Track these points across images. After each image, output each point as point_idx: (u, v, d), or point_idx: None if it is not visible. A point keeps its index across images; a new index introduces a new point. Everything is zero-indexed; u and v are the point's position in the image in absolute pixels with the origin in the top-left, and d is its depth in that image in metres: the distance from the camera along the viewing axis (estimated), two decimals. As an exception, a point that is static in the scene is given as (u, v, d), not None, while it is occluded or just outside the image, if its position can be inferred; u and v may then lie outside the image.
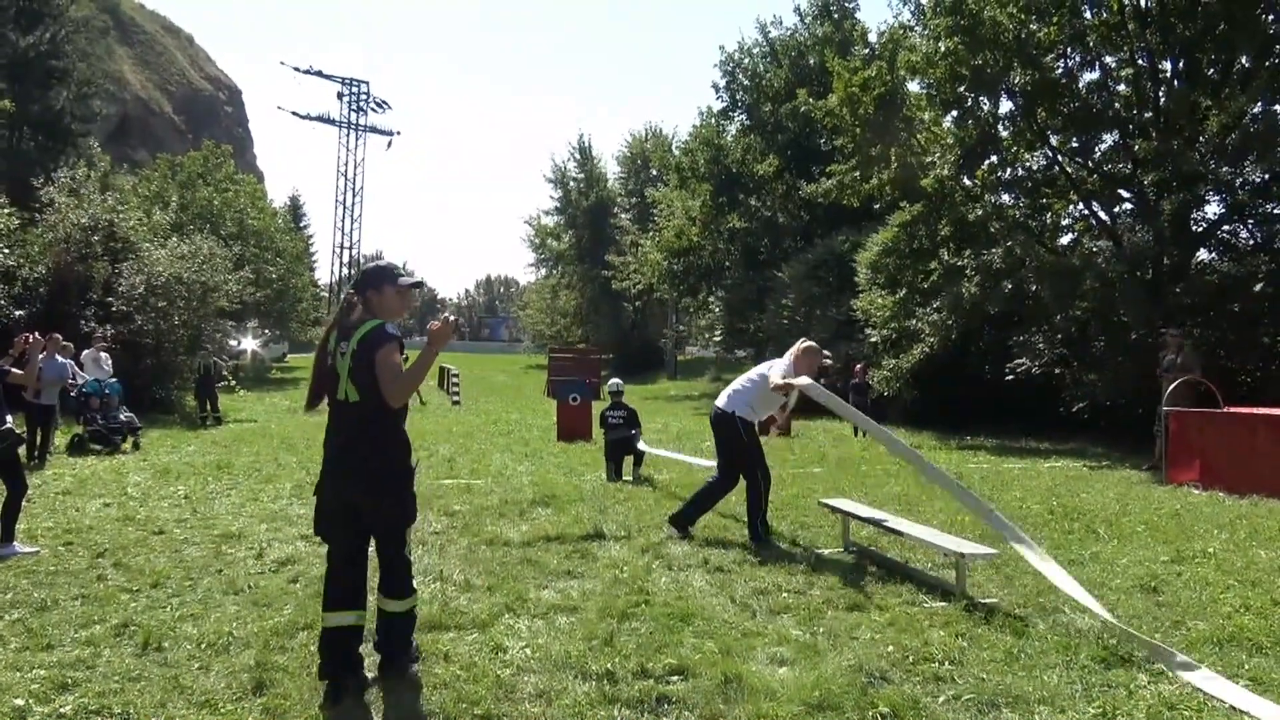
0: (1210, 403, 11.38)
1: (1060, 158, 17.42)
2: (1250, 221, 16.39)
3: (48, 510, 8.23)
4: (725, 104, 33.96)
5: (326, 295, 55.76)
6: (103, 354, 15.33)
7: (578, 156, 60.96)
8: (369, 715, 3.77)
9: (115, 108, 59.08)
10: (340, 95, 40.13)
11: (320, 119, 41.90)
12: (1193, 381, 11.65)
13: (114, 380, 14.38)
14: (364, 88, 40.44)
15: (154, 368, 19.71)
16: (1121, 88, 17.09)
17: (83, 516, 7.93)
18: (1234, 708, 3.78)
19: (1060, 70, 16.76)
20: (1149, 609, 5.22)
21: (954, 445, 15.81)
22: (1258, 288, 14.64)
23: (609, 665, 4.17)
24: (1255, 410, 10.77)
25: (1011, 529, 5.69)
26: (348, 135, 39.41)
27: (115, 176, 33.04)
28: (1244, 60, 15.45)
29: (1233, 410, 10.91)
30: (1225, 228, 16.68)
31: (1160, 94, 15.96)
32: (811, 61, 31.05)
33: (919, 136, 18.41)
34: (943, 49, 16.77)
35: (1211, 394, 11.39)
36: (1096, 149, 17.53)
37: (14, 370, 7.72)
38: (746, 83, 33.08)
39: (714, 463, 7.50)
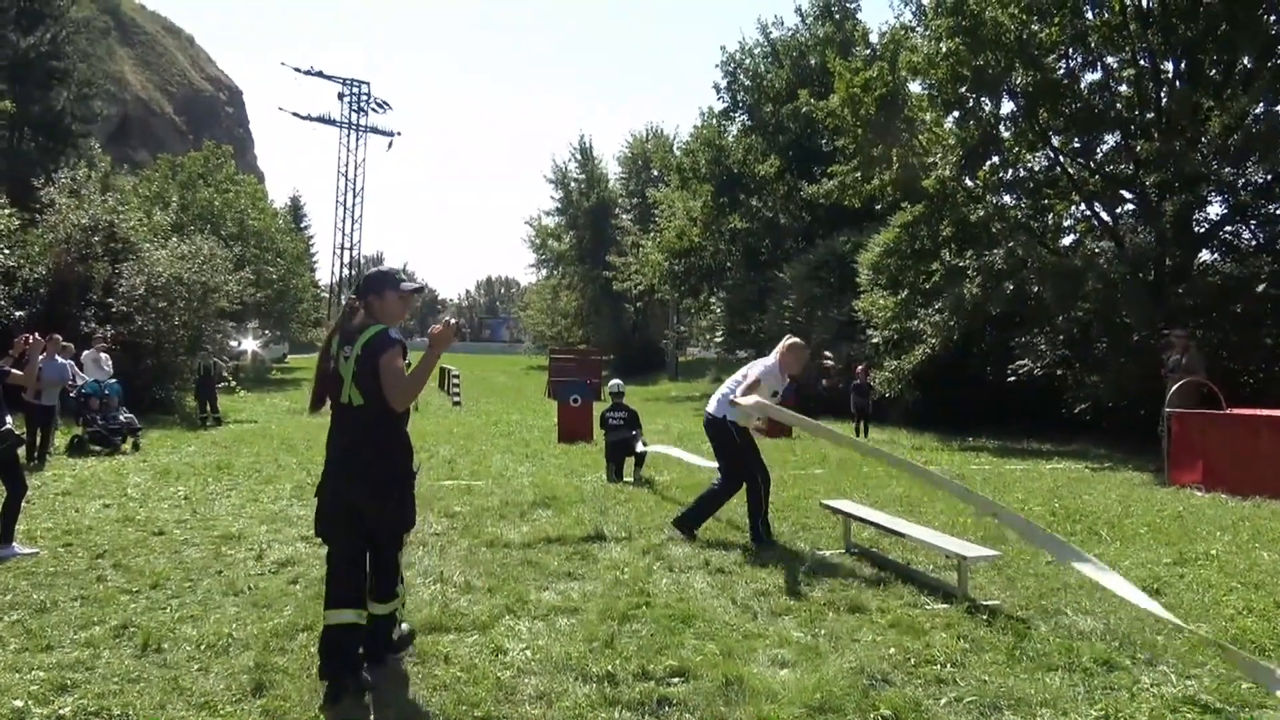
0: (1213, 404, 11.37)
1: (1062, 158, 17.42)
2: (1253, 222, 16.38)
3: (47, 511, 8.22)
4: (726, 104, 33.97)
5: (327, 296, 55.79)
6: (103, 355, 15.33)
7: (579, 157, 60.98)
8: (368, 717, 3.76)
9: (116, 108, 59.11)
10: (341, 96, 40.23)
11: (321, 119, 41.97)
12: (1196, 383, 11.64)
13: (114, 381, 14.38)
14: (365, 88, 40.54)
15: (154, 368, 19.71)
16: (1123, 88, 17.08)
17: (82, 517, 7.93)
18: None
19: (1062, 71, 16.75)
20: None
21: (956, 447, 15.80)
22: (1260, 289, 14.63)
23: (610, 667, 4.17)
24: (1258, 412, 10.76)
25: (1005, 512, 5.70)
26: (348, 136, 39.52)
27: (116, 177, 33.02)
28: (1246, 61, 15.45)
29: (1235, 412, 10.89)
30: (1227, 229, 16.68)
31: (1162, 95, 15.96)
32: (813, 62, 31.04)
33: (920, 137, 18.41)
34: (944, 49, 16.77)
35: (1214, 395, 11.38)
36: (1098, 150, 17.53)
37: (14, 371, 7.71)
38: (748, 83, 33.09)
39: (715, 464, 7.49)
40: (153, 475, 10.71)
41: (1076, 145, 17.40)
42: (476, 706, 3.78)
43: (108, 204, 21.33)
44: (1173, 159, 14.57)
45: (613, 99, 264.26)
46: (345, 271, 40.30)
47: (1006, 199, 18.23)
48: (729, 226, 32.93)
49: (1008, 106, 17.54)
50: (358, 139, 39.45)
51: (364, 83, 40.20)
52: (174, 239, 22.67)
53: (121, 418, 13.63)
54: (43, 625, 4.79)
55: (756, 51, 33.39)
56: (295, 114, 42.41)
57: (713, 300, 37.28)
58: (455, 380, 32.05)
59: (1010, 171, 17.90)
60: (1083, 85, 16.94)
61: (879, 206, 20.80)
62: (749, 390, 7.06)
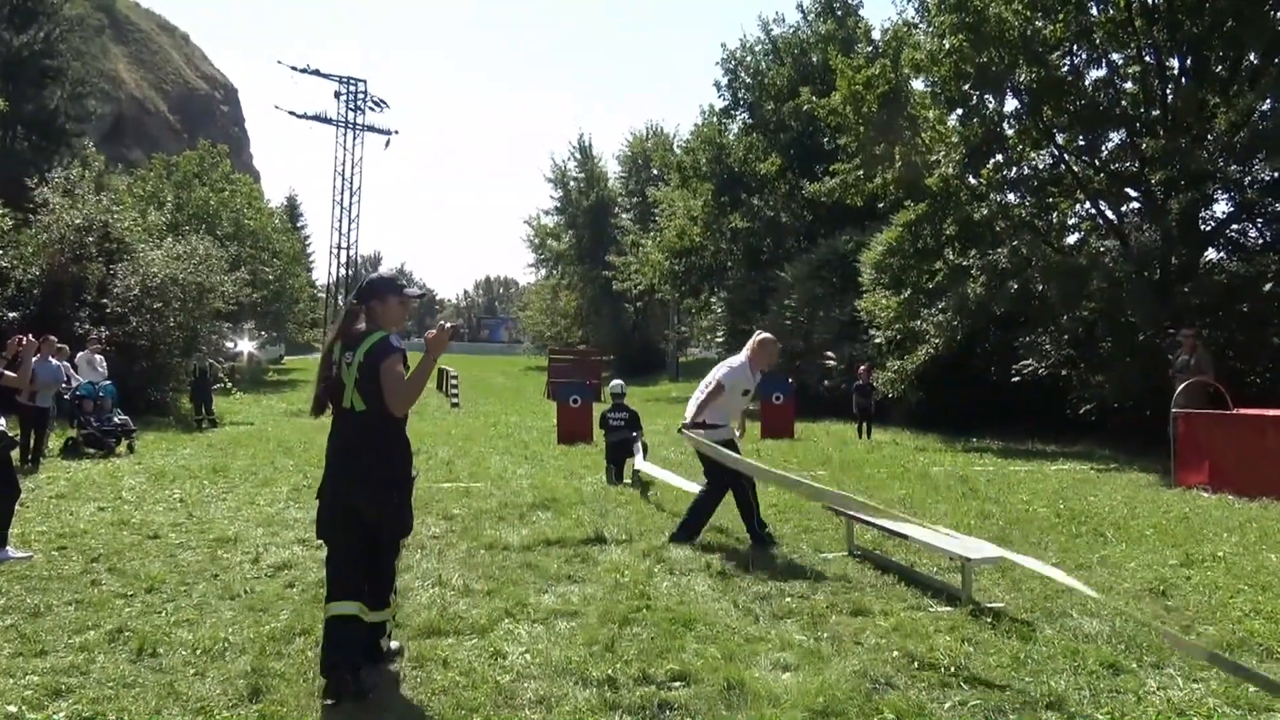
0: (1219, 404, 11.36)
1: (1066, 156, 17.41)
2: (1259, 220, 16.37)
3: (41, 514, 8.23)
4: (727, 102, 33.97)
5: (324, 296, 55.78)
6: (97, 356, 15.35)
7: (578, 156, 60.96)
8: (366, 722, 3.77)
9: (110, 107, 59.10)
10: (337, 94, 40.13)
11: (317, 118, 41.89)
12: (1202, 383, 11.63)
13: (108, 383, 14.38)
14: (361, 86, 40.46)
15: (149, 370, 19.71)
16: (1128, 85, 17.07)
17: (77, 521, 7.93)
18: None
19: (1066, 68, 16.74)
20: (1157, 613, 5.22)
21: (959, 448, 15.79)
22: (1267, 287, 14.61)
23: (610, 671, 4.17)
24: (1265, 412, 10.74)
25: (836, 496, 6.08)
26: (345, 134, 39.45)
27: (110, 176, 33.04)
28: (1252, 57, 15.44)
29: (1242, 412, 10.88)
30: (1234, 227, 16.66)
31: (1168, 91, 15.96)
32: (814, 59, 31.03)
33: (923, 135, 18.40)
34: (947, 46, 16.75)
35: (1220, 396, 11.38)
36: (1103, 147, 17.51)
37: (7, 373, 7.71)
38: (749, 81, 33.09)
39: (696, 486, 7.47)
40: (148, 478, 10.72)
41: (1081, 143, 17.39)
42: (475, 711, 3.78)
43: (102, 204, 21.30)
44: (1178, 156, 14.56)
45: (611, 98, 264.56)
46: (342, 271, 40.32)
47: (1010, 197, 18.22)
48: (730, 225, 32.93)
49: (1011, 104, 17.54)
50: (354, 138, 39.56)
51: (361, 81, 40.24)
52: (169, 239, 22.66)
53: (116, 420, 13.63)
54: (37, 630, 4.79)
55: (758, 49, 33.39)
56: (291, 112, 42.45)
57: (713, 300, 37.29)
58: (453, 381, 32.06)
59: (1014, 169, 17.89)
60: (1087, 82, 16.92)
61: (881, 205, 20.78)
62: (711, 397, 7.10)
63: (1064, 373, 16.84)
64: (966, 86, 16.97)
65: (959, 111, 18.06)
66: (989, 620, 5.00)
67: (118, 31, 75.08)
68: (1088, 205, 18.13)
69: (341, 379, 4.19)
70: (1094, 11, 16.29)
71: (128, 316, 19.21)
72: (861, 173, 20.23)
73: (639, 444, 10.91)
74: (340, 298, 38.18)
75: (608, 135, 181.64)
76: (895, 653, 4.48)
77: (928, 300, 18.83)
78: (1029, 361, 17.23)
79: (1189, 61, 15.86)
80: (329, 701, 3.85)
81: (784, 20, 33.29)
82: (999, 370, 18.21)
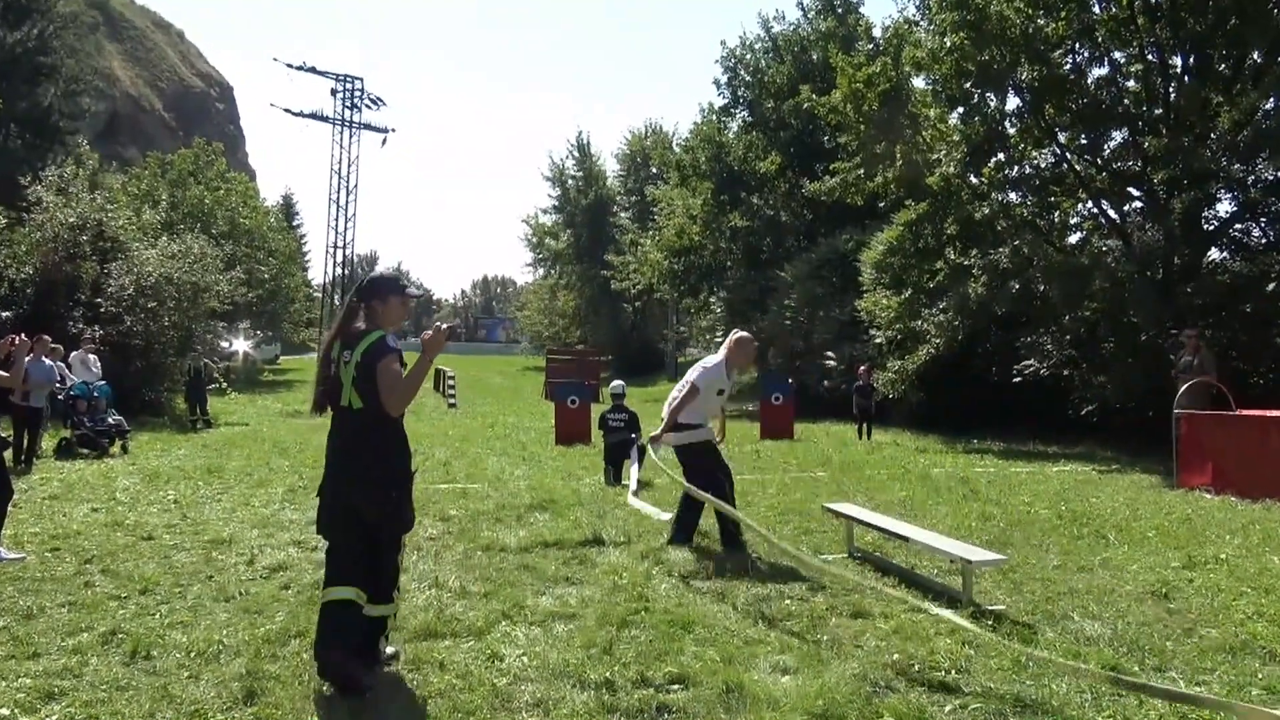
0: (1222, 405, 11.37)
1: (1069, 155, 17.42)
2: (1263, 220, 16.39)
3: (34, 515, 8.22)
4: (727, 100, 33.94)
5: (320, 296, 55.77)
6: (91, 356, 15.33)
7: (576, 154, 60.94)
8: (362, 725, 3.76)
9: (104, 105, 59.11)
10: (334, 92, 40.09)
11: (313, 116, 41.82)
12: (1205, 384, 11.64)
13: (103, 383, 14.37)
14: (358, 84, 40.43)
15: (143, 370, 19.70)
16: (1131, 84, 17.07)
17: (70, 522, 7.93)
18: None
19: (1068, 66, 16.75)
20: (1160, 616, 5.22)
21: (960, 448, 15.80)
22: (1270, 287, 14.62)
23: (608, 674, 4.17)
24: (1268, 413, 10.75)
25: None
26: (341, 132, 39.40)
27: (104, 175, 33.02)
28: (1256, 56, 15.45)
29: (1245, 413, 10.89)
30: (1237, 226, 16.69)
31: (1170, 90, 15.97)
32: (815, 57, 31.03)
33: (924, 133, 18.41)
34: (948, 44, 16.76)
35: (1223, 396, 11.38)
36: (1105, 146, 17.52)
37: (0, 373, 7.70)
38: (748, 79, 33.07)
39: (669, 515, 7.43)
40: (142, 479, 10.71)
41: (1083, 142, 17.40)
42: (472, 714, 3.78)
43: (96, 202, 21.30)
44: (1181, 155, 14.57)
45: (610, 97, 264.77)
46: (338, 271, 40.29)
47: (1012, 196, 18.23)
48: (729, 224, 32.91)
49: (1013, 102, 17.55)
50: (351, 136, 39.46)
51: (357, 78, 40.16)
52: (164, 238, 22.65)
53: (110, 420, 13.62)
54: (29, 632, 4.78)
55: (757, 46, 33.37)
56: (287, 110, 42.36)
57: (713, 300, 37.27)
58: (450, 382, 32.06)
59: (1016, 168, 17.90)
60: (1090, 80, 16.94)
61: (882, 204, 20.80)
62: (686, 400, 7.10)
63: (1066, 373, 16.85)
64: (968, 85, 16.98)
65: (960, 110, 18.07)
66: (990, 623, 5.00)
67: (112, 29, 75.08)
68: (1090, 204, 18.16)
69: (339, 377, 4.25)
70: (1096, 9, 16.30)
71: (122, 316, 19.20)
72: (862, 171, 20.24)
73: (635, 448, 10.85)
74: (336, 297, 38.14)
75: (608, 135, 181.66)
76: (895, 655, 4.48)
77: (928, 300, 18.84)
78: (1030, 362, 17.24)
79: (1192, 60, 15.88)
80: (319, 676, 3.92)
81: (784, 18, 33.31)
82: (1000, 371, 18.22)
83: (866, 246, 21.96)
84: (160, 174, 40.70)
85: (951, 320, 17.90)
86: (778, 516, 8.33)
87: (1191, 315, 14.44)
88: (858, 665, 4.31)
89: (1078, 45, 16.64)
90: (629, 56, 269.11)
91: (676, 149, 40.43)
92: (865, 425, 18.03)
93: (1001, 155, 17.74)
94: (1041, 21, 16.06)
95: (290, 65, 40.91)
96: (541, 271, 66.68)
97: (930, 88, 18.62)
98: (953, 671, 4.28)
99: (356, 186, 38.06)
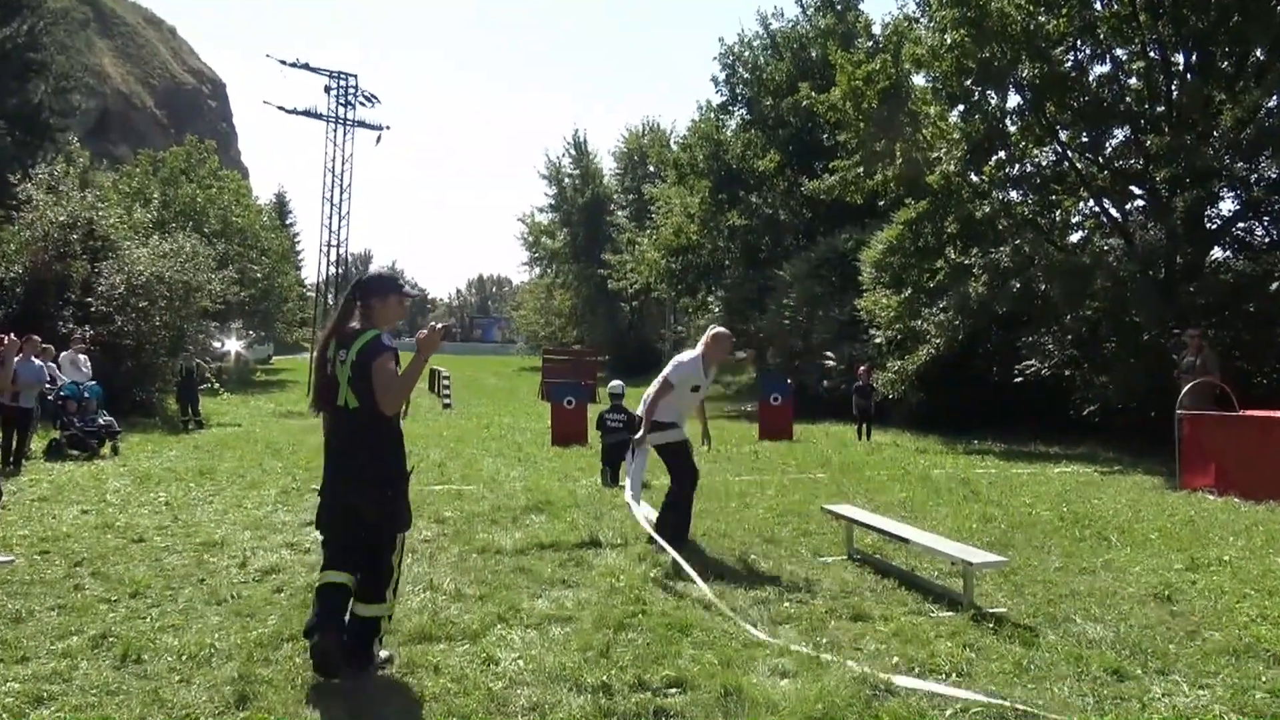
0: (1225, 406, 11.37)
1: (1070, 153, 17.44)
2: (1266, 218, 16.43)
3: (23, 518, 8.19)
4: (725, 98, 33.98)
5: (313, 295, 55.75)
6: (81, 356, 15.29)
7: (573, 152, 60.96)
8: (356, 730, 3.76)
9: (95, 102, 59.07)
10: (327, 89, 39.92)
11: (307, 113, 41.71)
12: (1209, 384, 11.64)
13: (93, 383, 14.34)
14: (352, 81, 40.30)
15: (134, 370, 19.66)
16: (1133, 81, 17.11)
17: (60, 524, 7.90)
18: None
19: (1070, 63, 16.78)
20: (1162, 618, 5.22)
21: (960, 449, 15.81)
22: (1274, 286, 14.65)
23: (605, 677, 4.16)
24: (1272, 413, 10.76)
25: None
26: (335, 130, 39.26)
27: (95, 173, 33.02)
28: (1258, 53, 15.48)
29: (1249, 413, 10.89)
30: (1240, 225, 16.71)
31: (1173, 88, 15.99)
32: (814, 54, 31.07)
33: (924, 131, 18.42)
34: (949, 41, 16.79)
35: (1227, 397, 11.39)
36: (1107, 144, 17.56)
37: (-11, 373, 7.68)
38: (747, 76, 33.10)
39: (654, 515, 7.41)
40: (133, 480, 10.69)
41: (1085, 140, 17.43)
42: (468, 718, 3.77)
43: (87, 200, 21.25)
44: (1183, 154, 14.59)
45: (610, 97, 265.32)
46: (332, 270, 40.19)
47: (1013, 195, 18.26)
48: (727, 223, 32.94)
49: (1014, 100, 17.57)
50: (345, 133, 39.26)
51: (351, 75, 39.95)
52: (155, 237, 22.62)
53: (100, 421, 13.59)
54: (18, 635, 4.77)
55: (756, 44, 33.41)
56: (280, 108, 42.14)
57: (711, 299, 37.29)
58: (446, 382, 32.04)
59: (1017, 167, 17.93)
60: (1091, 78, 16.98)
61: (882, 203, 20.83)
62: (660, 395, 7.10)
63: (1067, 373, 16.87)
64: (968, 82, 17.00)
65: (960, 107, 18.10)
66: (991, 625, 5.00)
67: (103, 25, 74.99)
68: (1091, 203, 18.18)
69: (336, 376, 4.30)
70: (1098, 6, 16.34)
71: (113, 315, 19.16)
72: (861, 170, 20.28)
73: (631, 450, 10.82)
74: (330, 296, 38.01)
75: (608, 135, 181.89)
76: (895, 658, 4.48)
77: (929, 299, 18.85)
78: (1032, 362, 17.26)
79: (1194, 57, 15.91)
80: (317, 688, 4.00)
81: (783, 14, 33.38)
82: (1001, 371, 18.24)
83: (866, 245, 21.98)
84: (152, 172, 40.65)
85: (952, 320, 17.91)
86: (776, 518, 8.32)
87: (1194, 315, 14.46)
88: (858, 668, 4.30)
89: (1079, 42, 16.68)
90: (629, 57, 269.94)
91: (674, 147, 40.43)
92: (865, 426, 18.03)
93: (1002, 153, 17.77)
94: (1043, 18, 16.09)
95: (283, 62, 40.68)
96: (538, 271, 66.72)
97: (930, 85, 18.65)
98: (954, 674, 4.28)
99: (350, 184, 37.86)
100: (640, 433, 7.16)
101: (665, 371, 7.25)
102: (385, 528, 4.33)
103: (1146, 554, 6.94)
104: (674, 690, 4.06)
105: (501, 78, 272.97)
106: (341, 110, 40.34)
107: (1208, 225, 16.21)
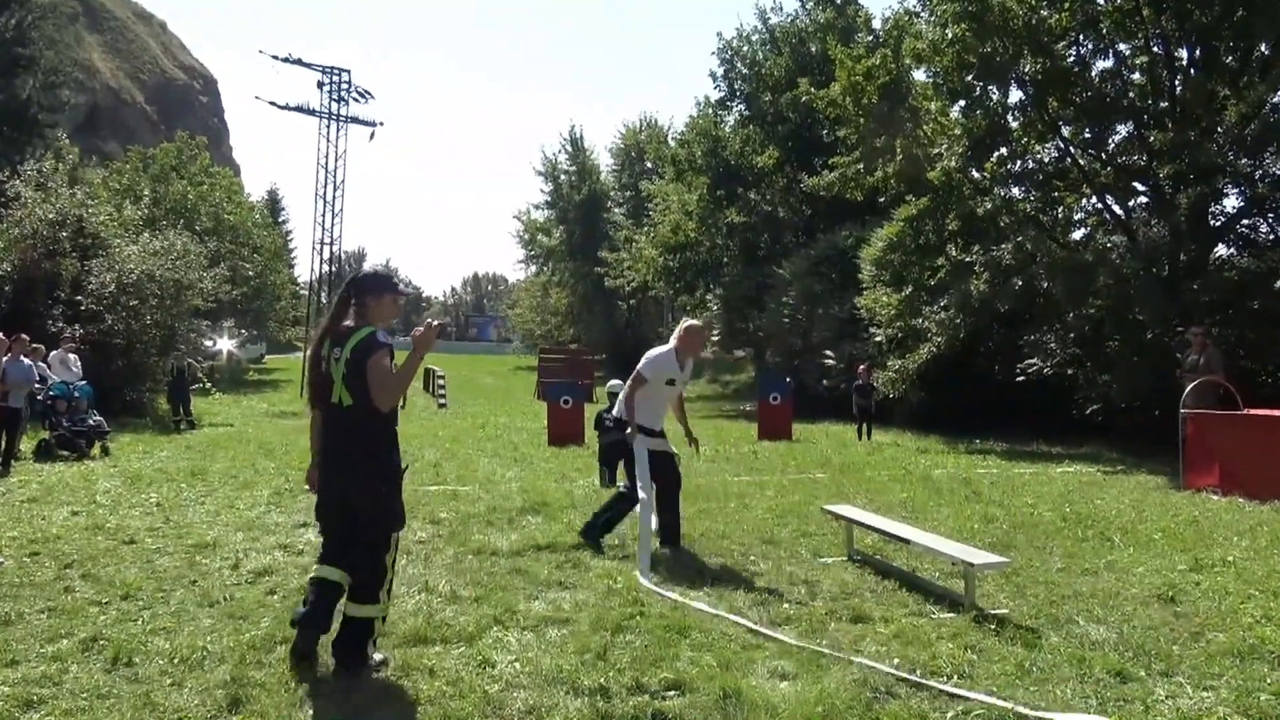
0: (1230, 405, 11.39)
1: (1072, 149, 17.45)
2: (1270, 215, 16.45)
3: (13, 519, 8.18)
4: (723, 94, 33.99)
5: (306, 293, 55.77)
6: (71, 355, 15.27)
7: (569, 148, 60.90)
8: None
9: (84, 97, 58.96)
10: (320, 84, 39.94)
11: (299, 109, 41.71)
12: (1212, 383, 11.66)
13: (84, 383, 14.32)
14: (345, 76, 40.29)
15: (125, 369, 19.65)
16: (1136, 76, 17.13)
17: (50, 525, 7.89)
18: None
19: (1072, 58, 16.79)
20: (1166, 620, 5.22)
21: (962, 449, 15.82)
22: (1279, 284, 14.67)
23: (602, 680, 4.16)
24: (1277, 412, 10.77)
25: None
26: (328, 126, 39.26)
27: (84, 169, 32.93)
28: (1263, 48, 15.51)
29: (1253, 412, 10.90)
30: (1244, 222, 16.74)
31: (1176, 83, 16.01)
32: (813, 49, 31.07)
33: (925, 127, 18.43)
34: (950, 36, 16.79)
35: (1231, 395, 11.41)
36: (1110, 140, 17.57)
37: (-23, 372, 7.69)
38: (745, 71, 33.11)
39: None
40: (124, 481, 10.67)
41: (1087, 135, 17.44)
42: (463, 722, 3.77)
43: (76, 197, 21.25)
44: (1187, 150, 14.61)
45: (610, 97, 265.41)
46: (325, 268, 40.21)
47: (1015, 191, 18.28)
48: (726, 220, 32.94)
49: (1016, 95, 17.57)
50: (338, 129, 39.29)
51: (345, 70, 39.97)
52: (146, 234, 22.62)
53: (90, 421, 13.57)
54: (8, 639, 4.76)
55: (755, 38, 33.41)
56: (273, 103, 42.13)
57: (709, 297, 37.29)
58: (440, 381, 32.04)
59: (1019, 163, 17.94)
60: (1094, 73, 16.99)
61: (882, 200, 20.83)
62: (633, 389, 7.08)
63: (1070, 372, 16.89)
64: (969, 77, 17.01)
65: (962, 103, 18.11)
66: (993, 627, 5.01)
67: (92, 19, 74.88)
68: (1094, 200, 18.19)
69: (330, 374, 4.36)
70: (1100, 0, 16.33)
71: (103, 314, 19.15)
72: (861, 166, 20.29)
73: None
74: (323, 294, 38.03)
75: (607, 135, 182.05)
76: (896, 660, 4.48)
77: (929, 298, 18.87)
78: (1034, 361, 17.28)
79: (1198, 52, 15.92)
80: (296, 631, 4.30)
81: (782, 9, 33.48)
82: (1003, 370, 18.26)
83: (866, 243, 21.99)
84: (142, 168, 40.63)
85: (953, 318, 17.92)
86: (776, 519, 8.33)
87: (1198, 312, 14.48)
88: (858, 670, 4.31)
89: (1082, 37, 16.69)
90: (629, 57, 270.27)
91: (672, 143, 40.45)
92: (865, 425, 18.04)
93: (1004, 149, 17.78)
94: (1045, 13, 16.10)
95: (276, 57, 40.69)
96: (534, 269, 66.63)
97: (931, 80, 18.66)
98: (955, 676, 4.28)
99: (344, 181, 37.95)
100: (629, 429, 7.12)
101: (639, 366, 7.21)
102: (379, 524, 4.37)
103: (1150, 555, 6.95)
104: (672, 693, 4.06)
105: (501, 78, 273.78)
106: (335, 106, 40.40)
107: (1212, 222, 16.24)
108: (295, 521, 8.00)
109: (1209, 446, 10.79)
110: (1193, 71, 15.84)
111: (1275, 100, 15.10)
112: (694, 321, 7.44)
